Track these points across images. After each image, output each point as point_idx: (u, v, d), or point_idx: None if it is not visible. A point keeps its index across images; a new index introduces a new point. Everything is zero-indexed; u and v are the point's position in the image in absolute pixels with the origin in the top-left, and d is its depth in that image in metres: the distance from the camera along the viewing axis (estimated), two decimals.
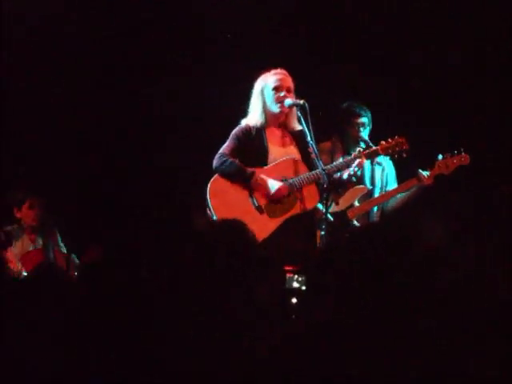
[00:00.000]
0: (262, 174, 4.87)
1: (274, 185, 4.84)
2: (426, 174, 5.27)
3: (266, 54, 5.83)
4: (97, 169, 6.19)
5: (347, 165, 4.95)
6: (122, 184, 6.21)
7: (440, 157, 5.31)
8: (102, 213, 6.14)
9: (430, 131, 5.98)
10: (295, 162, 4.97)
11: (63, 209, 6.03)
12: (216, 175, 4.89)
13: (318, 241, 5.01)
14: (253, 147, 4.94)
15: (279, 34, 6.12)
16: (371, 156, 5.10)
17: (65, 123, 6.16)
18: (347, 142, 5.49)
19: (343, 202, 5.23)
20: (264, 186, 4.85)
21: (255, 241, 2.59)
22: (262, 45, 6.03)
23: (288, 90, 4.93)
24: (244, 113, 5.05)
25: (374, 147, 5.13)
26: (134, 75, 6.14)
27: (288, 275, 3.51)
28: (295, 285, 3.47)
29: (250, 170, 4.86)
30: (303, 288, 3.37)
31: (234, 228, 2.59)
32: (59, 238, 5.93)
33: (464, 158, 5.32)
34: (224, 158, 4.87)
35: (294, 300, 3.14)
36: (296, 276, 3.46)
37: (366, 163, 5.19)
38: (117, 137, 6.21)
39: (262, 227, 4.71)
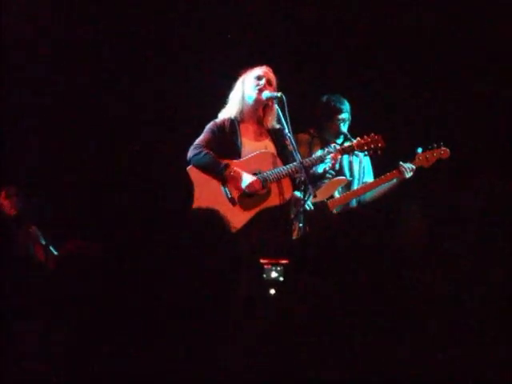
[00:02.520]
0: (236, 167, 4.87)
1: (247, 179, 4.84)
2: (409, 166, 5.28)
3: (248, 51, 5.87)
4: (76, 161, 6.16)
5: (322, 160, 4.97)
6: (101, 176, 6.18)
7: (419, 150, 5.33)
8: (83, 206, 6.11)
9: (410, 124, 6.00)
10: (270, 155, 4.96)
11: (43, 201, 6.00)
12: (190, 166, 4.90)
13: (296, 233, 5.04)
14: (226, 140, 4.94)
15: (261, 29, 6.12)
16: (346, 152, 5.12)
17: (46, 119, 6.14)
18: (327, 135, 5.50)
19: (323, 193, 5.24)
20: (237, 180, 4.85)
21: (229, 231, 2.58)
22: (245, 42, 6.05)
23: (269, 83, 4.94)
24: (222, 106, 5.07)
25: (350, 143, 5.16)
26: (124, 77, 6.13)
27: (266, 266, 3.51)
28: (273, 275, 3.47)
29: (224, 162, 4.86)
30: (281, 279, 3.37)
31: (209, 217, 2.58)
32: (38, 231, 5.89)
33: (444, 152, 5.34)
34: (199, 150, 4.88)
35: (273, 291, 3.15)
36: (274, 267, 3.46)
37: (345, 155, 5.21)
38: (98, 130, 6.20)
39: (235, 219, 4.71)
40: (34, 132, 6.11)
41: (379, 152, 5.09)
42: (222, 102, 5.10)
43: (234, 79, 5.03)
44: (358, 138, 5.10)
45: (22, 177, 6.07)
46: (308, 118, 5.52)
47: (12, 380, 2.48)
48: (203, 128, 5.00)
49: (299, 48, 6.19)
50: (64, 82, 6.07)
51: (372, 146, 5.08)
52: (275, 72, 5.01)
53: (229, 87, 5.05)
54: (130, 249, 2.66)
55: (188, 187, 4.87)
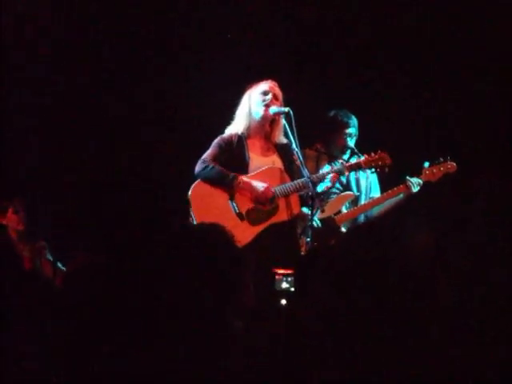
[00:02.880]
0: (244, 178, 4.89)
1: (259, 186, 4.86)
2: (416, 181, 5.28)
3: (253, 63, 5.87)
4: (76, 161, 6.15)
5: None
6: (101, 177, 6.17)
7: (426, 164, 5.32)
8: (83, 206, 6.09)
9: (416, 138, 6.01)
10: (278, 170, 4.99)
11: (50, 216, 6.00)
12: (198, 181, 4.91)
13: (304, 248, 5.03)
14: (234, 156, 4.95)
15: (265, 40, 6.14)
16: (354, 169, 5.14)
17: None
18: (333, 150, 5.51)
19: (330, 208, 5.24)
20: (248, 189, 4.86)
21: (235, 243, 2.57)
22: (249, 53, 6.05)
23: (275, 98, 4.96)
24: (229, 121, 5.08)
25: (357, 159, 5.18)
26: (124, 76, 6.14)
27: (277, 277, 3.51)
28: (284, 286, 3.47)
29: (232, 173, 4.87)
30: (292, 289, 3.38)
31: (214, 231, 2.57)
32: (46, 246, 5.87)
33: (451, 166, 5.33)
34: (206, 164, 4.90)
35: (284, 301, 3.15)
36: (285, 277, 3.47)
37: None
38: (97, 137, 6.21)
39: (242, 234, 4.65)
40: (34, 132, 6.11)
41: (386, 169, 5.11)
42: (221, 101, 5.13)
43: (235, 81, 5.06)
44: (366, 155, 5.12)
45: (21, 177, 6.06)
46: (313, 133, 5.52)
47: (12, 380, 2.48)
48: (202, 128, 5.02)
49: (300, 51, 6.19)
50: (64, 81, 6.08)
51: (379, 163, 5.10)
52: (281, 86, 5.04)
53: (228, 87, 5.07)
54: (131, 251, 2.67)
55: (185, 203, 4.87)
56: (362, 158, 5.12)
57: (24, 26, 5.93)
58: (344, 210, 5.35)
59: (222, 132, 5.07)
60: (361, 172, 5.47)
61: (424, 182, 5.30)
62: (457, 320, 2.33)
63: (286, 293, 3.34)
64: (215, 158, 4.92)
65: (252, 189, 4.85)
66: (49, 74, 6.08)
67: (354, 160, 5.25)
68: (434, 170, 5.31)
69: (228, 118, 5.09)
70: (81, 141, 6.16)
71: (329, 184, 4.97)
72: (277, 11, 6.20)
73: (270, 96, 4.94)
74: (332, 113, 5.55)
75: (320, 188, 4.99)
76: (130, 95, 6.13)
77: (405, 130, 6.12)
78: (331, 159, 5.46)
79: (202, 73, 6.05)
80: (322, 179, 4.98)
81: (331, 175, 4.96)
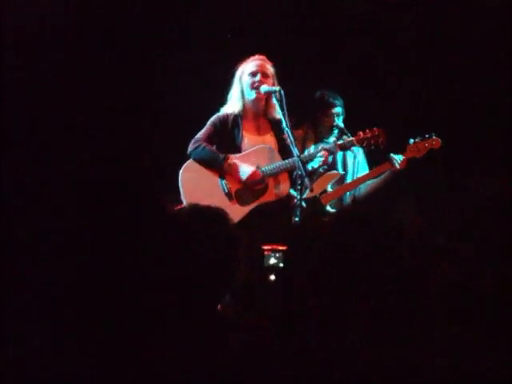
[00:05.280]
0: (234, 160, 4.91)
1: (246, 170, 4.89)
2: (399, 158, 5.30)
3: (245, 40, 5.88)
4: (76, 161, 6.13)
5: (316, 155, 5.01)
6: (101, 176, 6.14)
7: (411, 141, 5.33)
8: (83, 207, 6.06)
9: (400, 115, 6.03)
10: (269, 150, 5.01)
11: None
12: (189, 161, 4.95)
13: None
14: (228, 135, 4.98)
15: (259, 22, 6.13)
16: (346, 147, 5.16)
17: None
18: (321, 130, 5.54)
19: (316, 188, 5.25)
20: (236, 171, 4.89)
21: (228, 223, 2.60)
22: (242, 32, 6.05)
23: (264, 76, 4.96)
24: (224, 101, 5.10)
25: (349, 138, 5.19)
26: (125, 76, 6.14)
27: (266, 253, 3.54)
28: (273, 261, 3.49)
29: (223, 154, 4.90)
30: (281, 265, 3.40)
31: (208, 211, 2.59)
32: None
33: (435, 142, 5.34)
34: (198, 143, 4.93)
35: (273, 277, 3.17)
36: (273, 253, 3.49)
37: None
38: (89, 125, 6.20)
39: (232, 213, 4.65)
40: (34, 132, 6.09)
41: (381, 146, 5.13)
42: (219, 98, 5.14)
43: (230, 71, 5.05)
44: (360, 133, 5.14)
45: (21, 177, 6.03)
46: (300, 113, 5.53)
47: (12, 380, 2.48)
48: (200, 125, 5.04)
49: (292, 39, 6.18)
50: (64, 81, 6.06)
51: (372, 141, 5.12)
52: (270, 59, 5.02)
53: (224, 81, 5.08)
54: (124, 245, 2.67)
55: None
56: (355, 136, 5.13)
57: (24, 26, 5.89)
58: (329, 189, 5.38)
59: (218, 111, 5.09)
60: (348, 151, 5.49)
61: (409, 159, 5.32)
62: (455, 318, 2.35)
63: (274, 268, 3.37)
64: (208, 138, 4.96)
65: (240, 172, 4.89)
66: (49, 74, 6.05)
67: (343, 139, 5.27)
68: (419, 146, 5.33)
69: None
70: (81, 141, 6.14)
71: (320, 162, 4.97)
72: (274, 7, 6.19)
73: (258, 77, 4.94)
74: (318, 93, 5.57)
75: (309, 167, 5.00)
76: (131, 95, 6.12)
77: (391, 108, 6.14)
78: (318, 140, 5.49)
79: (200, 70, 6.04)
80: (312, 158, 5.00)
81: (322, 152, 4.98)
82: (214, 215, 2.56)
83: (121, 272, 2.61)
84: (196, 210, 2.60)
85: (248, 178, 4.87)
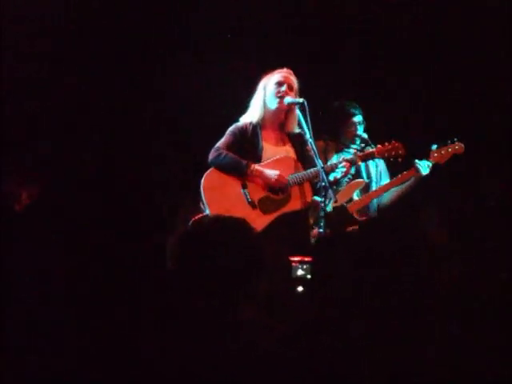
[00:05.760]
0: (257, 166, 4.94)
1: (271, 173, 4.91)
2: (423, 163, 5.30)
3: (267, 53, 5.89)
4: (76, 161, 6.16)
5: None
6: (113, 177, 6.18)
7: (434, 147, 5.34)
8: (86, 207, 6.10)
9: (424, 121, 6.03)
10: (291, 160, 5.03)
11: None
12: (210, 169, 4.96)
13: (315, 238, 5.03)
14: (247, 144, 5.00)
15: (280, 33, 6.15)
16: (367, 158, 5.17)
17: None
18: (343, 140, 5.56)
19: (342, 197, 5.27)
20: (261, 177, 4.91)
21: (254, 234, 2.61)
22: (264, 44, 6.06)
23: (290, 88, 4.99)
24: (243, 110, 5.12)
25: (370, 149, 5.20)
26: (133, 74, 6.16)
27: (293, 264, 3.55)
28: (300, 273, 3.51)
29: (245, 161, 4.92)
30: (308, 276, 3.41)
31: (233, 222, 2.60)
32: None
33: (458, 147, 5.34)
34: (219, 151, 4.94)
35: (300, 288, 3.19)
36: (300, 265, 3.50)
37: None
38: (109, 131, 6.23)
39: (254, 222, 4.62)
40: (34, 132, 6.13)
41: (400, 160, 5.14)
42: (233, 104, 5.16)
43: (251, 81, 5.08)
44: (379, 145, 5.15)
45: (21, 176, 6.06)
46: (320, 124, 5.55)
47: (12, 380, 2.50)
48: (205, 129, 5.05)
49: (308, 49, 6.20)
50: (63, 81, 6.09)
51: (393, 153, 5.14)
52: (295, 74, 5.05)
53: (243, 90, 5.11)
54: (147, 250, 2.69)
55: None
56: (375, 148, 5.16)
57: (24, 26, 5.93)
58: (355, 198, 5.39)
59: (237, 121, 5.11)
60: (370, 160, 5.50)
61: (433, 165, 5.31)
62: (455, 318, 2.36)
63: (302, 280, 3.39)
64: (229, 147, 4.97)
65: (265, 177, 4.90)
66: (49, 74, 6.09)
67: (365, 149, 5.29)
68: (442, 152, 5.33)
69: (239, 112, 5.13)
70: (80, 140, 6.17)
71: (342, 173, 4.98)
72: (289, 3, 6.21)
73: (284, 87, 4.97)
74: (337, 103, 5.59)
75: (331, 177, 4.98)
76: (130, 95, 6.15)
77: (412, 114, 6.13)
78: (339, 150, 5.51)
79: (204, 72, 6.05)
80: (334, 169, 5.00)
81: (344, 163, 4.99)
82: (237, 224, 2.58)
83: (143, 280, 2.64)
84: (219, 219, 2.62)
85: (274, 181, 4.88)
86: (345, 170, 4.97)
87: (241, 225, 2.56)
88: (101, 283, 2.81)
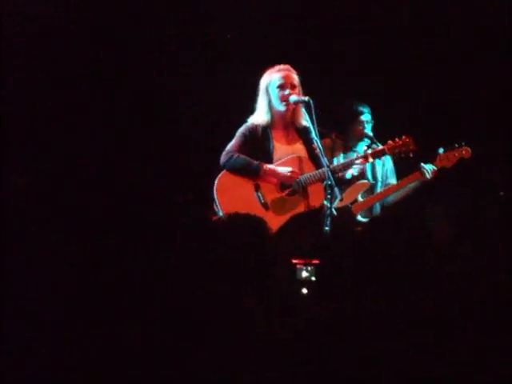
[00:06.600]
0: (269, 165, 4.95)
1: (284, 170, 4.93)
2: (429, 167, 5.28)
3: (268, 51, 5.84)
4: (76, 161, 6.13)
5: (351, 164, 4.99)
6: (126, 182, 6.16)
7: (441, 150, 5.32)
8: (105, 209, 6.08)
9: (430, 125, 6.00)
10: (302, 159, 5.04)
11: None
12: (223, 172, 4.98)
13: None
14: (259, 145, 5.02)
15: (281, 30, 6.12)
16: (377, 156, 5.15)
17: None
18: (351, 139, 5.55)
19: (347, 198, 5.24)
20: (274, 175, 4.93)
21: (269, 234, 2.60)
22: (264, 42, 6.01)
23: (292, 87, 4.99)
24: (251, 110, 5.11)
25: (380, 147, 5.20)
26: (136, 76, 6.14)
27: (298, 266, 3.54)
28: (305, 275, 3.49)
29: (257, 161, 4.94)
30: (313, 278, 3.40)
31: (249, 222, 2.60)
32: None
33: (465, 151, 5.32)
34: (231, 154, 4.96)
35: (305, 290, 3.18)
36: (305, 266, 3.49)
37: None
38: (120, 132, 6.20)
39: (269, 222, 4.58)
40: (33, 132, 6.10)
41: (411, 155, 5.12)
42: (241, 103, 5.14)
43: (254, 80, 5.04)
44: (390, 141, 5.13)
45: (21, 177, 6.03)
46: (327, 123, 5.51)
47: (12, 380, 2.49)
48: (221, 129, 5.04)
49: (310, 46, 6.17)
50: (64, 81, 6.07)
51: (404, 148, 5.12)
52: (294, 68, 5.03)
53: (248, 89, 5.07)
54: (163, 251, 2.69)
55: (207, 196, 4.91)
56: (386, 145, 5.13)
57: (24, 26, 5.91)
58: (360, 199, 5.36)
59: (245, 122, 5.11)
60: (377, 160, 5.47)
61: (439, 169, 5.30)
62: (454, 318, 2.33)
63: (306, 282, 3.38)
64: (239, 149, 4.99)
65: (278, 174, 4.93)
66: (49, 74, 6.07)
67: (373, 148, 5.26)
68: (449, 156, 5.32)
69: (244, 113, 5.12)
70: (80, 140, 6.14)
71: (359, 170, 5.00)
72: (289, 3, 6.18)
73: (288, 91, 4.97)
74: (347, 102, 5.59)
75: (348, 175, 5.01)
76: (131, 95, 6.13)
77: (419, 117, 6.11)
78: (346, 149, 5.49)
79: (207, 72, 6.04)
80: (346, 167, 4.99)
81: (360, 160, 4.99)
82: (254, 224, 2.57)
83: (143, 280, 2.62)
84: (236, 219, 2.61)
85: (289, 177, 4.90)
86: (362, 166, 4.98)
87: (259, 223, 2.56)
88: (101, 283, 2.78)
